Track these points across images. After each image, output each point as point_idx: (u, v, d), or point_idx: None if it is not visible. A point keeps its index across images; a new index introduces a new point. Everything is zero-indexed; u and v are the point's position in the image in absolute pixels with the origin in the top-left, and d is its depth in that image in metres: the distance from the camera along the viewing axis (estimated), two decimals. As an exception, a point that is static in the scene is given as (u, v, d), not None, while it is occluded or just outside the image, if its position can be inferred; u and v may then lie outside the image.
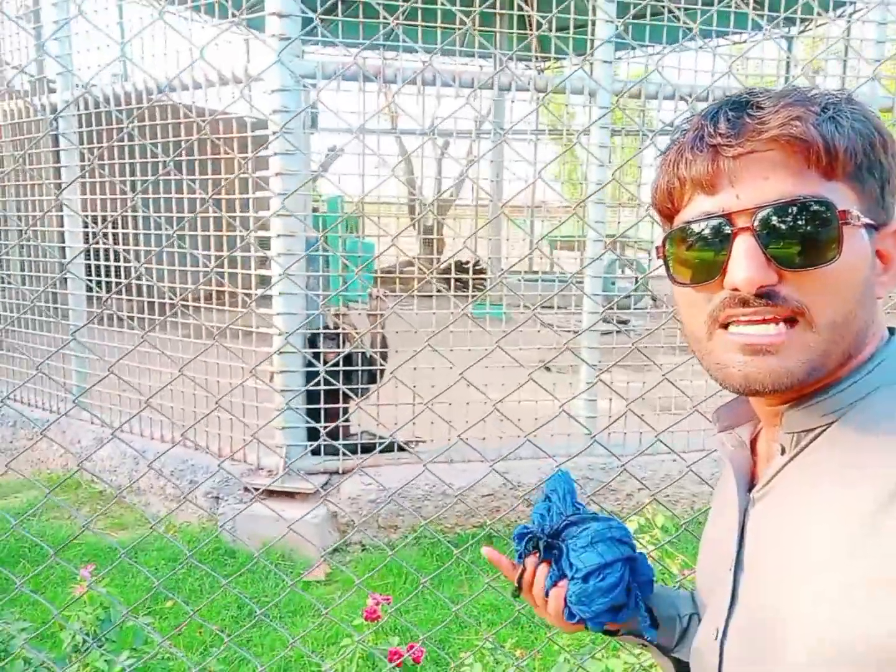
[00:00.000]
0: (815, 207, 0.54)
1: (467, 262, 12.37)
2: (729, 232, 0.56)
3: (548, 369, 3.83)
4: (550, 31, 3.30)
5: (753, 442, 0.71)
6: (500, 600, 2.79)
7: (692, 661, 0.73)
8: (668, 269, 0.63)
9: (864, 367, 0.58)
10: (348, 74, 2.97)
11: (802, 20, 8.06)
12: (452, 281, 3.68)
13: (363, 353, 3.33)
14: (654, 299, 8.85)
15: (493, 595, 2.79)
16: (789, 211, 0.54)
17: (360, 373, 3.20)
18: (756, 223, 0.54)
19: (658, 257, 0.64)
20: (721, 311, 0.58)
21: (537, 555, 0.79)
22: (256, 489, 3.16)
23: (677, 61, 3.74)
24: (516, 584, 0.83)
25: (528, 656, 1.80)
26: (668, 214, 0.64)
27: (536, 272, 11.39)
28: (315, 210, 5.69)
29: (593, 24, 3.28)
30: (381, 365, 3.30)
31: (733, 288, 0.56)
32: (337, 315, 3.34)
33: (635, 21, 2.94)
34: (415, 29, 3.11)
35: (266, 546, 2.89)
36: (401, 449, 3.43)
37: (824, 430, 0.59)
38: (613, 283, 8.86)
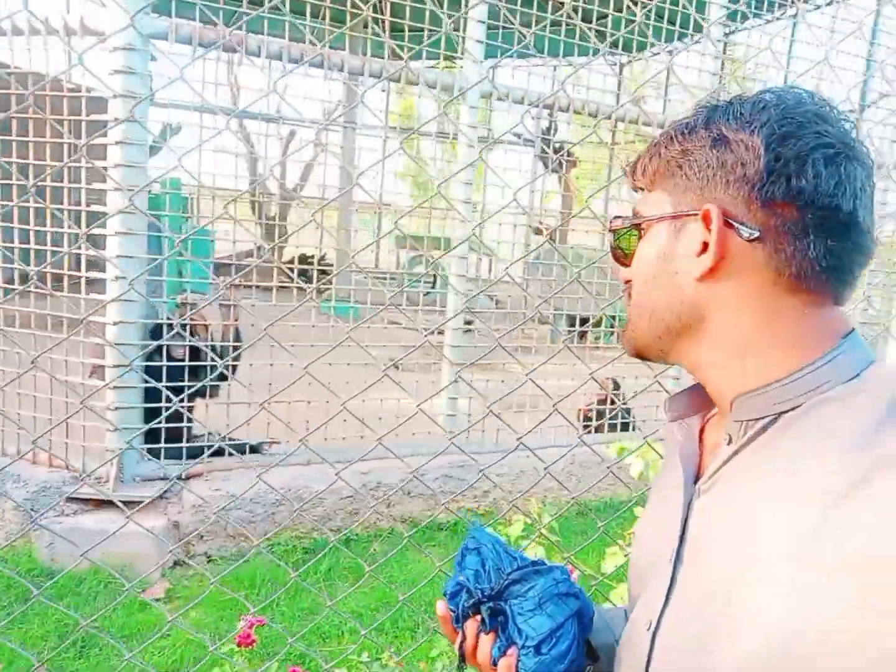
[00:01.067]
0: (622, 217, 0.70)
1: (312, 256, 12.05)
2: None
3: (397, 367, 3.78)
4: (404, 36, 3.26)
5: (702, 433, 0.70)
6: (361, 606, 2.69)
7: (619, 653, 0.71)
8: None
9: (818, 361, 0.57)
10: (206, 41, 2.70)
11: (636, 50, 8.79)
12: (296, 274, 3.48)
13: (213, 348, 3.05)
14: (496, 301, 9.18)
15: (354, 602, 2.68)
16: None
17: (208, 369, 2.93)
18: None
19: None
20: None
21: (478, 619, 0.71)
22: (82, 500, 2.78)
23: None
24: (458, 655, 0.73)
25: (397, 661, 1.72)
26: None
27: (385, 271, 11.36)
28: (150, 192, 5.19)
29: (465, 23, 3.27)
30: (235, 361, 3.05)
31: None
32: (184, 304, 3.04)
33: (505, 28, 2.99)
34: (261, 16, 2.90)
35: (94, 563, 2.53)
36: (253, 451, 3.20)
37: (773, 420, 0.58)
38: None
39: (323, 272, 9.12)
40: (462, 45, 3.32)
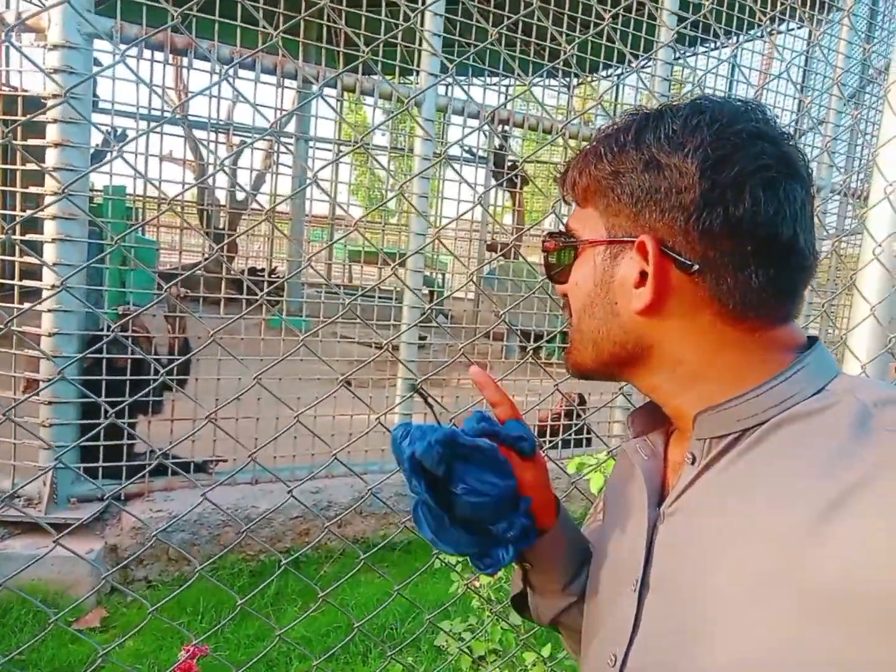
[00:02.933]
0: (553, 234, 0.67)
1: (262, 270, 11.82)
2: None
3: (349, 383, 3.71)
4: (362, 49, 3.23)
5: (665, 449, 0.67)
6: (311, 631, 2.58)
7: None
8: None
9: (780, 375, 0.55)
10: (152, 43, 2.60)
11: (578, 75, 8.99)
12: (245, 287, 3.38)
13: (158, 360, 2.92)
14: (446, 316, 9.18)
15: (303, 627, 2.57)
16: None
17: (151, 383, 2.79)
18: None
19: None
20: None
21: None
22: (12, 523, 2.60)
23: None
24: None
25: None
26: None
27: (337, 285, 11.23)
28: (91, 200, 4.99)
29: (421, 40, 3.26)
30: (184, 374, 2.92)
31: None
32: (125, 315, 2.90)
33: (453, 37, 2.99)
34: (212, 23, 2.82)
35: (22, 591, 2.37)
36: (199, 470, 3.07)
37: (738, 436, 0.55)
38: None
39: (272, 284, 8.95)
40: (417, 59, 3.31)
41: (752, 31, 5.20)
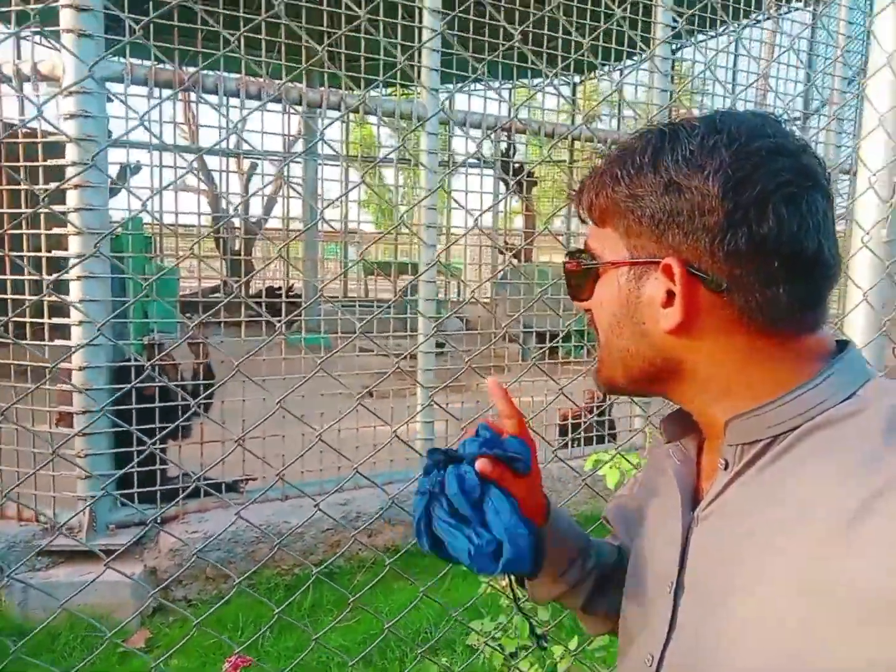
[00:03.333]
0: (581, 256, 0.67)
1: (279, 289, 11.98)
2: None
3: (371, 395, 3.78)
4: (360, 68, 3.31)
5: (698, 454, 0.68)
6: (348, 640, 2.65)
7: None
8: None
9: (809, 383, 0.56)
10: (161, 81, 2.70)
11: (584, 71, 9.04)
12: (264, 307, 3.46)
13: (183, 387, 3.01)
14: (465, 322, 9.22)
15: (340, 636, 2.64)
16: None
17: (180, 409, 2.88)
18: None
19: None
20: None
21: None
22: (54, 552, 2.70)
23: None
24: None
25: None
26: None
27: (353, 298, 11.35)
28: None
29: (419, 52, 3.34)
30: (208, 399, 3.01)
31: None
32: (151, 345, 2.99)
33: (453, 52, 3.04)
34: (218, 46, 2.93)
35: (70, 617, 2.46)
36: (230, 490, 3.15)
37: (769, 443, 0.56)
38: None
39: (291, 304, 9.09)
40: (417, 75, 3.38)
41: (753, 16, 5.20)
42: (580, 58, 4.39)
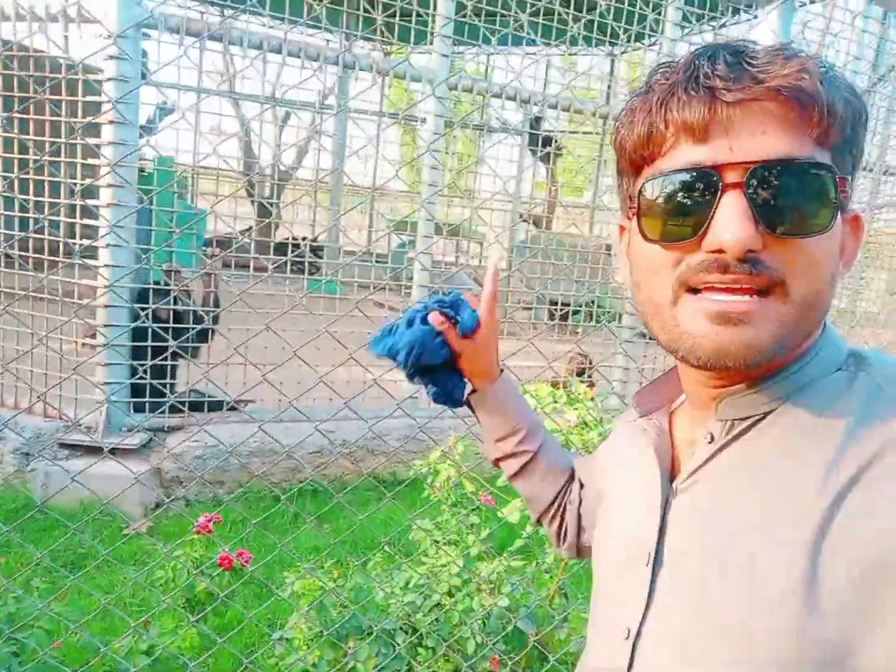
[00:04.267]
0: (816, 172, 0.51)
1: (303, 239, 12.28)
2: (718, 187, 0.51)
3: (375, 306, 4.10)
4: (394, 17, 3.52)
5: (670, 427, 0.68)
6: (321, 543, 3.00)
7: (589, 663, 0.69)
8: (638, 223, 0.57)
9: (806, 356, 0.56)
10: (192, 30, 2.96)
11: (627, 41, 9.00)
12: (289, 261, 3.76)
13: (194, 312, 3.34)
14: (479, 283, 9.42)
15: (315, 538, 2.99)
16: (786, 171, 0.50)
17: (190, 330, 3.21)
18: (750, 181, 0.50)
19: (628, 209, 0.60)
20: (695, 274, 0.53)
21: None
22: (73, 446, 3.07)
23: (509, 63, 4.12)
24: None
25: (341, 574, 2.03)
26: (638, 164, 0.58)
27: (373, 254, 11.62)
28: (142, 171, 5.46)
29: (433, 17, 3.54)
30: (213, 324, 3.33)
31: (717, 250, 0.51)
32: (168, 272, 3.32)
33: (467, 21, 3.23)
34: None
35: (84, 499, 2.84)
36: (230, 408, 3.50)
37: (759, 419, 0.56)
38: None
39: (315, 254, 9.40)
40: (431, 40, 3.58)
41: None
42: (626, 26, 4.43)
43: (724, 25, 5.95)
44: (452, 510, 1.92)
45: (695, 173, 0.51)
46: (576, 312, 6.14)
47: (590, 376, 4.58)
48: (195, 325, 3.14)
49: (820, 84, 0.49)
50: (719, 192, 0.50)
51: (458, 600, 1.64)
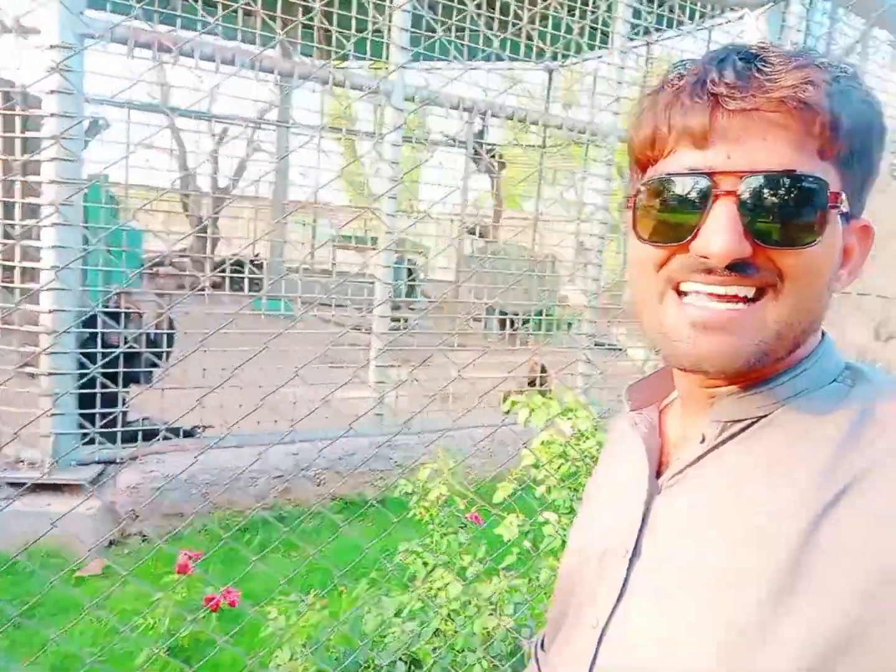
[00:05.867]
0: (808, 184, 0.50)
1: (256, 256, 12.00)
2: (710, 193, 0.51)
3: (332, 364, 4.00)
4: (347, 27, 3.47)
5: (660, 424, 0.68)
6: (291, 573, 2.87)
7: (553, 654, 0.69)
8: (633, 221, 0.58)
9: (802, 364, 0.57)
10: (140, 41, 2.83)
11: (563, 56, 9.21)
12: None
13: (147, 336, 3.17)
14: (427, 296, 9.43)
15: (285, 570, 2.86)
16: (780, 182, 0.50)
17: (143, 356, 3.05)
18: (742, 189, 0.50)
19: (627, 207, 0.59)
20: (682, 274, 0.54)
21: None
22: (17, 484, 2.86)
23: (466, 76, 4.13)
24: None
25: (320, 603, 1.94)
26: (644, 164, 0.58)
27: (317, 271, 11.44)
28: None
29: (389, 29, 3.50)
30: (168, 347, 3.18)
31: (703, 255, 0.52)
32: (120, 295, 3.15)
33: (419, 32, 3.22)
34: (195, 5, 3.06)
35: (28, 544, 2.63)
36: (186, 435, 3.34)
37: (753, 423, 0.56)
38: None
39: (256, 270, 9.19)
40: (387, 51, 3.54)
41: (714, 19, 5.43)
42: (560, 36, 4.52)
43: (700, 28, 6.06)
44: (442, 530, 1.85)
45: (690, 178, 0.52)
46: (526, 322, 6.21)
47: (543, 384, 4.61)
48: (151, 349, 2.99)
49: (826, 96, 0.49)
50: (711, 199, 0.51)
51: (460, 625, 1.58)
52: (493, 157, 8.54)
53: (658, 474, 0.62)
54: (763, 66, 0.50)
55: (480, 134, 9.43)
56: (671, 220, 0.54)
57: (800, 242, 0.51)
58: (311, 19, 3.65)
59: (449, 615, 1.61)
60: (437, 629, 1.60)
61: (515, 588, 1.61)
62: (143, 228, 6.60)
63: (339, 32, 3.62)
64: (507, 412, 1.79)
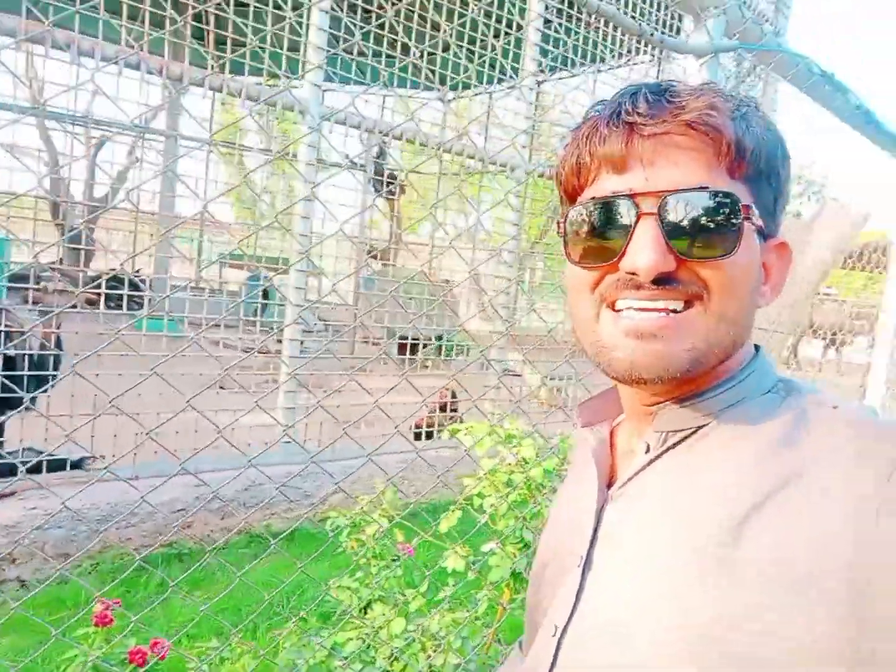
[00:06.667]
0: (721, 199, 0.54)
1: (129, 273, 11.23)
2: (633, 214, 0.55)
3: (223, 387, 3.79)
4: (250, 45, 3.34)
5: (611, 437, 0.71)
6: (198, 614, 2.66)
7: (529, 661, 0.71)
8: (565, 246, 0.62)
9: (737, 376, 0.60)
10: (4, 29, 2.57)
11: (460, 87, 9.46)
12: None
13: (30, 356, 2.86)
14: (324, 325, 9.23)
15: (191, 612, 2.64)
16: (695, 200, 0.54)
17: (25, 378, 2.74)
18: (662, 209, 0.54)
19: (558, 234, 0.63)
20: (614, 292, 0.57)
21: None
22: None
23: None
24: None
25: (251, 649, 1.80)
26: (572, 193, 0.62)
27: (204, 289, 10.90)
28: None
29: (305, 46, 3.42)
30: (55, 369, 2.88)
31: (631, 272, 0.55)
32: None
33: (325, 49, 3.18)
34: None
35: None
36: (74, 467, 3.02)
37: (692, 433, 0.59)
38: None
39: (136, 289, 8.61)
40: (302, 68, 3.46)
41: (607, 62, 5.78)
42: (454, 76, 4.67)
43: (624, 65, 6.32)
44: (378, 563, 1.78)
45: (613, 202, 0.56)
46: (425, 347, 6.21)
47: (454, 410, 4.62)
48: (37, 374, 2.69)
49: (730, 120, 0.54)
50: (635, 219, 0.55)
51: (406, 665, 1.50)
52: (392, 180, 8.55)
53: (610, 485, 0.65)
54: (671, 96, 0.55)
55: (380, 156, 9.43)
56: (599, 243, 0.57)
57: (718, 254, 0.54)
58: (202, 23, 3.50)
59: (391, 654, 1.54)
60: (386, 670, 1.52)
61: (459, 621, 1.56)
62: (7, 237, 6.00)
63: (234, 41, 3.47)
64: (449, 438, 1.76)
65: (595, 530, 0.63)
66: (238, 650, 1.84)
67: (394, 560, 1.92)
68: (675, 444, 0.60)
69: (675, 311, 0.55)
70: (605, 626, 0.57)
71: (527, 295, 8.01)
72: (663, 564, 0.54)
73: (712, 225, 0.54)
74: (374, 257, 9.30)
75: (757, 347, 0.64)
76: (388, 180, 8.25)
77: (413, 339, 5.88)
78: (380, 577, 1.67)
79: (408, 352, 4.52)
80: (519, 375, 6.10)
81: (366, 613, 1.72)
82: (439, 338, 6.63)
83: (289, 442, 3.47)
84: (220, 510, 3.17)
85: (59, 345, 3.03)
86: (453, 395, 4.46)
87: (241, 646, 1.81)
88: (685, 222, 0.54)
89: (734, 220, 0.54)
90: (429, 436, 4.28)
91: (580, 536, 0.64)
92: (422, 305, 5.01)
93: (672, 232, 0.54)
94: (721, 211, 0.54)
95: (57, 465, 2.93)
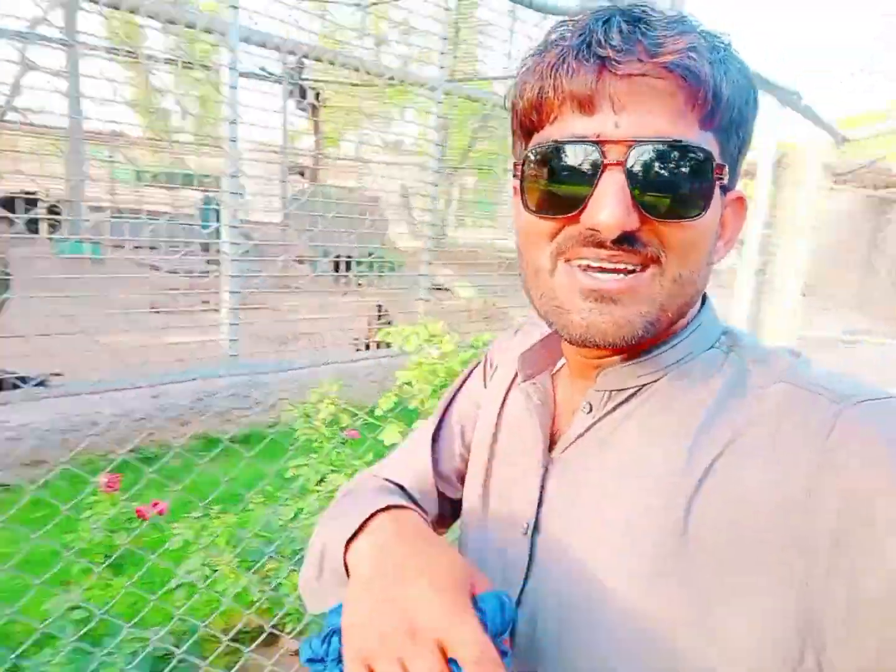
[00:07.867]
0: (695, 156, 0.50)
1: (34, 193, 10.74)
2: (599, 164, 0.50)
3: (157, 312, 4.03)
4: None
5: (552, 389, 0.67)
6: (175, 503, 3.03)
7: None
8: (521, 191, 0.56)
9: (684, 331, 0.58)
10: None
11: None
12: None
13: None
14: (249, 238, 9.22)
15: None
16: (668, 154, 0.49)
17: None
18: (630, 160, 0.49)
19: (514, 176, 0.57)
20: (572, 247, 0.53)
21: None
22: None
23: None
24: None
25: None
26: (529, 128, 0.56)
27: (121, 210, 10.57)
28: None
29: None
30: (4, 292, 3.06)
31: (592, 228, 0.51)
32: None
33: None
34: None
35: None
36: (38, 385, 3.26)
37: (636, 391, 0.57)
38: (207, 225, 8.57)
39: (53, 211, 8.36)
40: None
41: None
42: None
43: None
44: (330, 444, 2.18)
45: (578, 147, 0.51)
46: (358, 264, 6.45)
47: (389, 323, 5.03)
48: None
49: (709, 64, 0.49)
50: (600, 170, 0.50)
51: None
52: (312, 96, 8.46)
53: (552, 445, 0.62)
54: (647, 29, 0.49)
55: (297, 70, 9.22)
56: (560, 192, 0.52)
57: (686, 216, 0.51)
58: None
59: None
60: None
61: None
62: None
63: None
64: (379, 343, 2.13)
65: (540, 495, 0.60)
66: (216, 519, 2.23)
67: (342, 443, 2.34)
68: (617, 406, 0.58)
69: (632, 272, 0.52)
70: (557, 597, 0.56)
71: (455, 210, 8.22)
72: (612, 531, 0.54)
73: (683, 184, 0.50)
74: (301, 174, 9.27)
75: (704, 297, 0.61)
76: (306, 95, 8.15)
77: (346, 258, 6.12)
78: (332, 455, 2.08)
79: (339, 269, 4.80)
80: (448, 290, 6.50)
81: (320, 485, 2.14)
82: (370, 255, 6.87)
83: (235, 355, 3.80)
84: (178, 418, 3.50)
85: (4, 269, 3.18)
86: (380, 310, 4.84)
87: (220, 515, 2.21)
88: (654, 178, 0.49)
89: (706, 181, 0.51)
90: (366, 347, 4.68)
91: (525, 502, 0.61)
92: (351, 224, 5.23)
93: (639, 187, 0.49)
94: (694, 169, 0.50)
95: (21, 382, 3.16)
